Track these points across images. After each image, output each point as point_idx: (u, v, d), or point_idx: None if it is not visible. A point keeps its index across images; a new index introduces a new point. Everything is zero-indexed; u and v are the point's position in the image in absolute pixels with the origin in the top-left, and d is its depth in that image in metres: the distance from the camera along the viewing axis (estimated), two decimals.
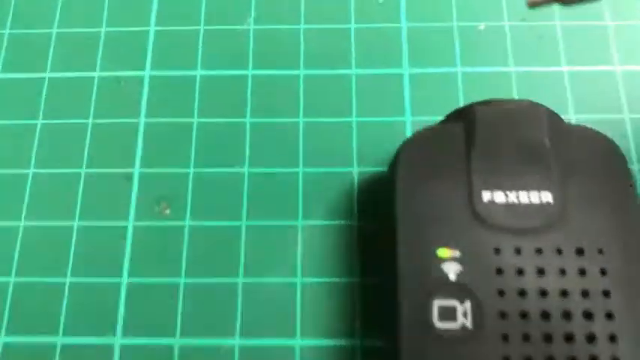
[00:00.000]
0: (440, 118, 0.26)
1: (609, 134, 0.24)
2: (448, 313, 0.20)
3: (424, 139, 0.23)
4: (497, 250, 0.21)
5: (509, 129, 0.22)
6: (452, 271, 0.21)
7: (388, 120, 0.28)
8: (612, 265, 0.21)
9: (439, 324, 0.20)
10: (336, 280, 0.25)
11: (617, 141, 0.24)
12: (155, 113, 0.28)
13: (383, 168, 0.27)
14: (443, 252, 0.21)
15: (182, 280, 0.26)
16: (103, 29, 0.30)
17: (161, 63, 0.29)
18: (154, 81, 0.29)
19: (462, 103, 0.28)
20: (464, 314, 0.20)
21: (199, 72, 0.29)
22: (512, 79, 0.29)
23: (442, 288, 0.21)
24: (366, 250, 0.26)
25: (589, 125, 0.24)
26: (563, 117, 0.24)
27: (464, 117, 0.23)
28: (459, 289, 0.21)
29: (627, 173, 0.22)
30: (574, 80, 0.28)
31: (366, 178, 0.27)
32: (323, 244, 0.26)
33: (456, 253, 0.21)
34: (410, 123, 0.28)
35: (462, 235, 0.21)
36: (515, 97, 0.28)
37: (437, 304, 0.20)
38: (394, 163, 0.23)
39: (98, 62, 0.29)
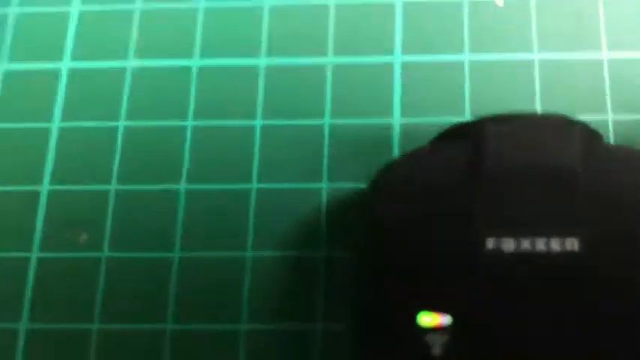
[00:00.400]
0: (437, 120, 0.23)
1: None
2: None
3: (411, 163, 0.19)
4: (502, 318, 0.16)
5: (527, 154, 0.18)
6: (438, 343, 0.16)
7: (371, 122, 0.23)
8: None
9: None
10: (293, 326, 0.21)
11: None
12: (72, 115, 0.24)
13: (361, 184, 0.22)
14: (427, 317, 0.17)
15: (95, 327, 0.21)
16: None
17: (83, 52, 0.25)
18: (73, 75, 0.25)
19: (467, 100, 0.23)
20: None
21: (130, 63, 0.25)
22: (535, 69, 0.23)
23: None
24: (334, 288, 0.21)
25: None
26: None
27: (468, 136, 0.19)
28: None
29: None
30: (616, 71, 0.23)
31: (338, 197, 0.22)
32: (277, 281, 0.22)
33: (445, 320, 0.17)
34: (399, 126, 0.23)
35: (455, 295, 0.17)
36: (539, 94, 0.23)
37: None
38: (370, 194, 0.19)
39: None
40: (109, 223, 0.23)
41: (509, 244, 0.17)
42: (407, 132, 0.23)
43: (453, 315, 0.17)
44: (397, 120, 0.23)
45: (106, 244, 0.22)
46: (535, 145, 0.18)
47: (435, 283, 0.17)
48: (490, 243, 0.17)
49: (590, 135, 0.19)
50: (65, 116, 0.24)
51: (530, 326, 0.16)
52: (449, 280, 0.17)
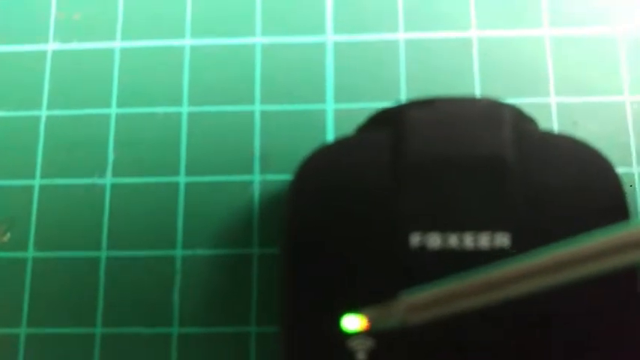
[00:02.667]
0: (375, 105, 0.21)
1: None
2: None
3: (332, 155, 0.18)
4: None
5: (454, 142, 0.17)
6: (362, 348, 0.16)
7: (303, 108, 0.22)
8: (591, 342, 0.16)
9: None
10: (225, 329, 0.21)
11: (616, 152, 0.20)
12: None
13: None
14: (350, 321, 0.16)
15: (23, 331, 0.21)
16: None
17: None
18: None
19: (403, 84, 0.22)
20: None
21: (51, 45, 0.23)
22: (472, 47, 0.22)
23: None
24: (267, 287, 0.21)
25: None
26: (541, 99, 0.21)
27: (391, 123, 0.18)
28: None
29: (623, 205, 0.17)
30: (559, 47, 0.22)
31: (270, 190, 0.22)
32: (209, 282, 0.21)
33: (369, 324, 0.16)
34: (332, 112, 0.22)
35: (379, 297, 0.16)
36: (478, 74, 0.22)
37: None
38: (290, 188, 0.18)
39: None
40: (33, 220, 0.22)
41: (435, 240, 0.16)
42: (340, 118, 0.22)
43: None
44: (331, 106, 0.22)
45: (30, 243, 0.22)
46: (462, 132, 0.17)
47: (357, 283, 0.16)
48: (414, 239, 0.16)
49: (521, 120, 0.18)
50: None
51: (458, 329, 0.16)
52: (372, 280, 0.16)
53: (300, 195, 0.18)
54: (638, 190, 0.21)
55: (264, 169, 0.22)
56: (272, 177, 0.22)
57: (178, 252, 0.21)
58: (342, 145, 0.18)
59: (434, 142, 0.17)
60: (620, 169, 0.21)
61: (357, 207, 0.17)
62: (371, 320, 0.15)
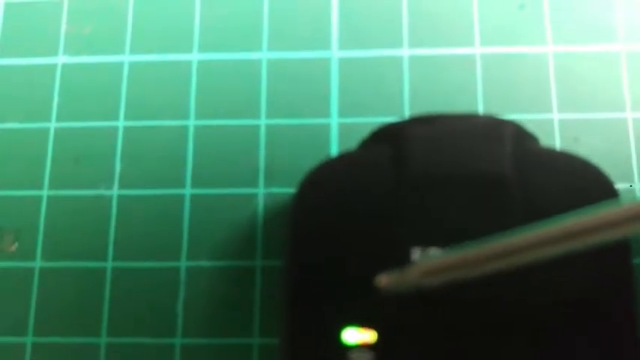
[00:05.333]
0: (378, 120, 0.22)
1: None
2: None
3: (334, 170, 0.19)
4: (429, 334, 0.16)
5: (454, 158, 0.18)
6: None
7: (308, 122, 0.23)
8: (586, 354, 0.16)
9: None
10: (228, 340, 0.21)
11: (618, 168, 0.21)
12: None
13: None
14: (351, 335, 0.17)
15: (29, 340, 0.22)
16: None
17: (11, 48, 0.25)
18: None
19: (407, 99, 0.22)
20: None
21: (61, 58, 0.24)
22: (477, 64, 0.23)
23: None
24: (270, 300, 0.22)
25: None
26: (543, 115, 0.22)
27: (393, 139, 0.18)
28: None
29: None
30: (561, 63, 0.23)
31: (275, 203, 0.22)
32: (213, 293, 0.22)
33: (370, 338, 0.16)
34: (336, 126, 0.23)
35: (380, 310, 0.16)
36: (481, 90, 0.22)
37: None
38: (293, 202, 0.19)
39: None
40: (42, 229, 0.23)
41: (435, 255, 0.17)
42: (345, 132, 0.23)
43: (377, 331, 0.17)
44: (335, 120, 0.23)
45: (38, 253, 0.23)
46: (462, 148, 0.18)
47: (358, 297, 0.17)
48: (415, 253, 0.17)
49: (522, 137, 0.19)
50: None
51: (458, 343, 0.16)
52: (373, 294, 0.17)
53: (302, 209, 0.18)
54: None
55: (268, 183, 0.22)
56: (276, 190, 0.22)
57: (183, 263, 0.22)
58: (344, 160, 0.19)
59: (434, 158, 0.18)
60: (621, 185, 0.22)
61: (357, 222, 0.18)
62: (387, 284, 0.16)
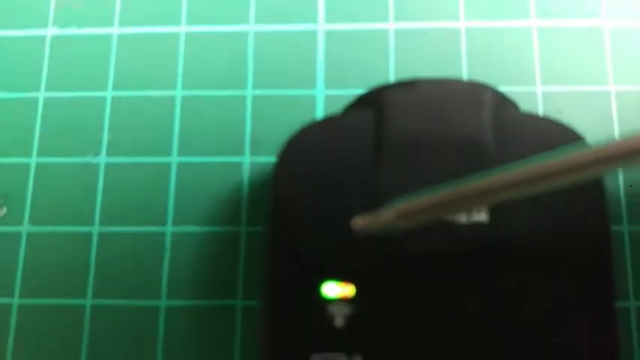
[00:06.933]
0: (361, 91, 0.23)
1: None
2: None
3: (318, 133, 0.19)
4: (405, 288, 0.17)
5: (434, 121, 0.18)
6: (340, 314, 0.17)
7: (294, 94, 0.24)
8: (565, 314, 0.17)
9: None
10: (212, 302, 0.22)
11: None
12: None
13: None
14: (330, 289, 0.17)
15: (15, 302, 0.22)
16: None
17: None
18: None
19: (392, 72, 0.23)
20: None
21: (50, 30, 0.25)
22: (461, 37, 0.24)
23: (324, 338, 0.17)
24: (253, 263, 0.22)
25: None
26: (526, 88, 0.22)
27: (374, 103, 0.19)
28: (347, 341, 0.17)
29: (599, 182, 0.18)
30: (545, 37, 0.24)
31: (259, 171, 0.23)
32: (198, 257, 0.22)
33: (348, 291, 0.17)
34: (322, 98, 0.24)
35: (358, 265, 0.17)
36: (465, 64, 0.23)
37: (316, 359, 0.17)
38: (275, 163, 0.19)
39: None
40: (29, 196, 0.23)
41: None
42: (331, 103, 0.23)
43: (356, 286, 0.17)
44: (321, 91, 0.24)
45: (26, 219, 0.23)
46: (442, 112, 0.19)
47: (338, 253, 0.18)
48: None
49: (502, 102, 0.19)
50: None
51: (434, 298, 0.17)
52: (352, 250, 0.18)
53: (284, 169, 0.19)
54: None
55: (254, 152, 0.23)
56: (261, 159, 0.23)
57: (169, 228, 0.23)
58: (327, 123, 0.19)
59: (414, 122, 0.19)
60: None
61: (338, 182, 0.18)
62: (362, 226, 0.17)
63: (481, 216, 0.18)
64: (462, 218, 0.18)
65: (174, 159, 0.23)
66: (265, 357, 0.17)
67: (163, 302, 0.22)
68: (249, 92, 0.24)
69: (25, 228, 0.23)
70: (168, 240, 0.23)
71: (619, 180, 0.22)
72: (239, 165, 0.23)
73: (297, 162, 0.19)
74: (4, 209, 0.23)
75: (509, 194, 0.15)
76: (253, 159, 0.23)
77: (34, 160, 0.24)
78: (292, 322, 0.17)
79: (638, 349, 0.21)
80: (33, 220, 0.23)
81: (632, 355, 0.21)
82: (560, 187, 0.15)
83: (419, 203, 0.16)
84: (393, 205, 0.16)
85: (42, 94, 0.24)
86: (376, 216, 0.16)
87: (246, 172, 0.23)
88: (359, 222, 0.17)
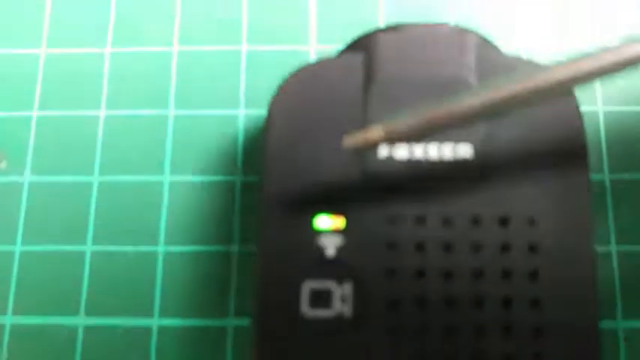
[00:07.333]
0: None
1: None
2: (321, 298, 0.18)
3: (310, 74, 0.20)
4: (392, 220, 0.18)
5: (420, 62, 0.19)
6: (331, 245, 0.18)
7: (287, 49, 0.25)
8: (545, 240, 0.18)
9: (309, 311, 0.18)
10: (208, 248, 0.23)
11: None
12: None
13: None
14: (322, 220, 0.18)
15: (17, 249, 0.23)
16: None
17: None
18: None
19: (383, 24, 0.24)
20: (341, 299, 0.18)
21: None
22: None
23: (316, 266, 0.18)
24: (249, 210, 0.23)
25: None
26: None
27: (364, 47, 0.20)
28: (337, 268, 0.18)
29: (577, 123, 0.19)
30: None
31: (254, 124, 0.24)
32: (194, 204, 0.23)
33: (339, 223, 0.18)
34: (315, 53, 0.25)
35: (349, 199, 0.18)
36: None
37: (308, 285, 0.18)
38: (270, 104, 0.20)
39: None
40: (31, 147, 0.24)
41: (402, 151, 0.19)
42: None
43: (346, 218, 0.18)
44: (314, 47, 0.24)
45: (27, 169, 0.24)
46: (428, 54, 0.20)
47: (329, 187, 0.19)
48: (383, 150, 0.19)
49: (485, 45, 0.20)
50: None
51: (418, 224, 0.18)
52: (343, 184, 0.19)
53: (278, 109, 0.20)
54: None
55: (248, 105, 0.24)
56: (256, 112, 0.24)
57: (166, 178, 0.23)
58: (320, 65, 0.20)
59: (402, 61, 0.19)
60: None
61: (330, 120, 0.19)
62: (352, 144, 0.17)
63: (466, 151, 0.19)
64: (448, 154, 0.18)
65: (172, 111, 0.24)
66: (260, 284, 0.18)
67: (162, 248, 0.23)
68: (245, 47, 0.25)
69: (27, 178, 0.24)
70: (166, 188, 0.23)
71: (600, 129, 0.23)
72: (234, 117, 0.24)
73: (290, 101, 0.20)
74: (5, 161, 0.24)
75: (494, 110, 0.16)
76: (248, 111, 0.24)
77: (36, 114, 0.24)
78: (286, 253, 0.18)
79: (620, 291, 0.22)
80: (34, 171, 0.24)
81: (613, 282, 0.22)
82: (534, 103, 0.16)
83: (406, 120, 0.17)
84: (381, 122, 0.17)
85: (43, 51, 0.25)
86: (365, 133, 0.17)
87: (241, 124, 0.24)
88: (349, 139, 0.18)
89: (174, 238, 0.23)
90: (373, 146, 0.17)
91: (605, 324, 0.22)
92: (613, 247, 0.22)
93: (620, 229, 0.22)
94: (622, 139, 0.23)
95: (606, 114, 0.24)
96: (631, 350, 0.21)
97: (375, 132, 0.17)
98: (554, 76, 0.15)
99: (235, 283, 0.22)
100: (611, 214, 0.22)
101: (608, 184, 0.23)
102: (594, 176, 0.23)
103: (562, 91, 0.15)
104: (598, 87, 0.24)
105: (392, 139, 0.17)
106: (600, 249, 0.22)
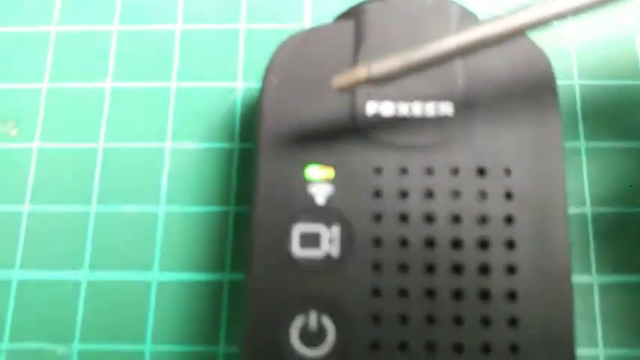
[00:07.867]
0: None
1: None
2: (311, 240, 0.19)
3: (303, 40, 0.22)
4: (377, 170, 0.20)
5: (405, 29, 0.21)
6: (321, 193, 0.20)
7: (282, 27, 0.26)
8: (519, 188, 0.19)
9: (299, 252, 0.19)
10: (208, 209, 0.24)
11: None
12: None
13: None
14: (312, 171, 0.20)
15: (26, 209, 0.24)
16: None
17: None
18: None
19: None
20: (330, 241, 0.19)
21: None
22: None
23: (306, 211, 0.20)
24: (245, 176, 0.25)
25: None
26: None
27: (354, 15, 0.22)
28: (326, 213, 0.20)
29: (551, 85, 0.20)
30: None
31: (251, 96, 0.25)
32: (194, 170, 0.25)
33: (328, 173, 0.20)
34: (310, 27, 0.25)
35: (338, 152, 0.20)
36: None
37: (298, 229, 0.20)
38: (266, 68, 0.22)
39: None
40: (40, 116, 0.26)
41: (388, 108, 0.20)
42: None
43: (335, 169, 0.20)
44: (309, 24, 0.26)
45: (37, 136, 0.25)
46: (413, 23, 0.21)
47: (320, 140, 0.20)
48: (371, 107, 0.20)
49: (465, 16, 0.22)
50: None
51: (402, 174, 0.20)
52: (333, 138, 0.20)
53: (272, 74, 0.21)
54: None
55: (246, 78, 0.26)
56: (253, 85, 0.25)
57: (168, 145, 0.25)
58: (312, 32, 0.22)
59: (389, 29, 0.21)
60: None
61: (321, 80, 0.21)
62: (340, 84, 0.19)
63: (447, 109, 0.20)
64: (430, 112, 0.20)
65: (174, 84, 0.26)
66: (253, 227, 0.20)
67: (163, 208, 0.24)
68: (243, 26, 0.26)
69: (36, 144, 0.25)
70: (167, 155, 0.25)
71: (575, 96, 0.25)
72: (232, 90, 0.25)
73: (284, 63, 0.21)
74: (17, 129, 0.25)
75: (463, 51, 0.18)
76: (245, 84, 0.25)
77: (46, 86, 0.26)
78: (279, 199, 0.20)
79: (595, 250, 0.23)
80: (43, 139, 0.25)
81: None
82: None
83: (391, 60, 0.18)
84: (367, 62, 0.19)
85: (54, 27, 0.27)
86: (353, 72, 0.19)
87: (239, 97, 0.25)
88: (337, 79, 0.19)
89: (175, 199, 0.24)
90: (359, 84, 0.19)
91: (581, 279, 0.23)
92: (588, 209, 0.24)
93: (595, 193, 0.24)
94: (597, 110, 0.25)
95: (582, 87, 0.25)
96: (605, 304, 0.23)
97: (361, 71, 0.19)
98: (517, 17, 0.17)
99: (232, 240, 0.24)
100: (586, 179, 0.24)
101: (583, 151, 0.24)
102: (572, 144, 0.24)
103: (525, 29, 0.17)
104: (574, 61, 0.25)
105: (376, 79, 0.19)
106: (576, 210, 0.23)
